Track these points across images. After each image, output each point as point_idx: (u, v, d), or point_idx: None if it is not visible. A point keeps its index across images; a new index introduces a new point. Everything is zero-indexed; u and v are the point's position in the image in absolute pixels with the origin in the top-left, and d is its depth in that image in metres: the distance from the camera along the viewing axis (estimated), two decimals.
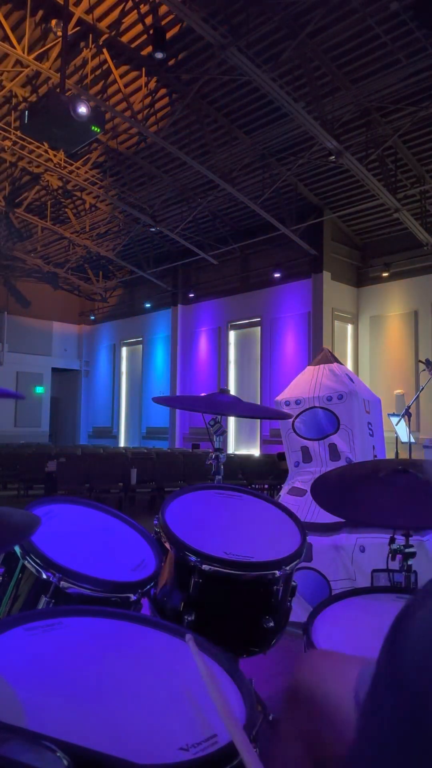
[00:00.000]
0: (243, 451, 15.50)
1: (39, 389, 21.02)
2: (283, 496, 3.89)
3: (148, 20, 9.37)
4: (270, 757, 0.91)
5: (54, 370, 21.71)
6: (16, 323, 20.40)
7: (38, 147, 12.65)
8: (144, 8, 9.21)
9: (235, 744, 0.84)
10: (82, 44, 9.82)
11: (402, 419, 8.02)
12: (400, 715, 0.33)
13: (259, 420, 14.85)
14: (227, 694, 1.00)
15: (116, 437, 20.61)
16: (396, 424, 8.23)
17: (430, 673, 0.33)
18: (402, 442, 8.22)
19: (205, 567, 1.55)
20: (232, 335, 16.89)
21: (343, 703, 0.56)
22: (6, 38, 9.28)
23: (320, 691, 0.60)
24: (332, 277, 14.42)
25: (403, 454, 8.33)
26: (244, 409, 2.70)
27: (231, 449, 15.99)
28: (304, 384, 4.07)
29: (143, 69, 10.25)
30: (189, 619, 1.54)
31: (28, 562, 1.46)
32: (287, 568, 1.61)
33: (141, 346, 20.07)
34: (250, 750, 0.82)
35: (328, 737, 0.57)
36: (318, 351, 4.91)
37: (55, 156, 13.01)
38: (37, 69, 9.76)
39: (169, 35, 9.26)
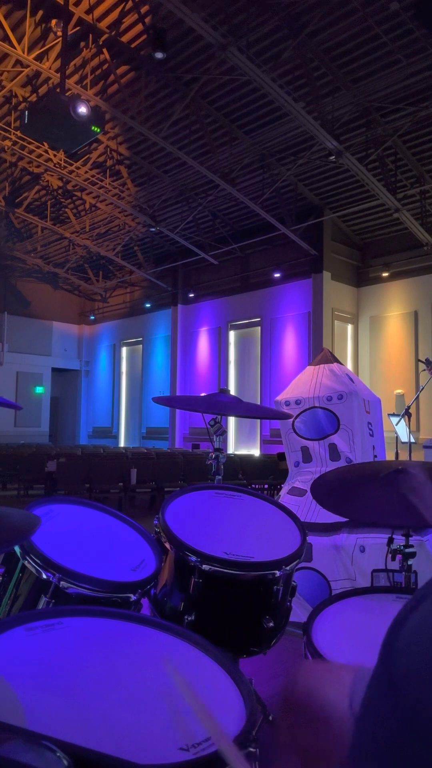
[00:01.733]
0: (243, 451, 15.49)
1: (39, 389, 21.02)
2: (283, 496, 3.89)
3: (148, 20, 9.37)
4: (268, 763, 0.91)
5: (54, 370, 21.71)
6: (16, 323, 20.40)
7: (38, 147, 12.65)
8: (144, 8, 9.21)
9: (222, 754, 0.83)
10: (82, 44, 9.82)
11: (402, 419, 8.02)
12: (391, 721, 0.33)
13: (259, 420, 14.85)
14: (214, 706, 0.99)
15: (116, 437, 20.61)
16: (396, 424, 8.23)
17: (421, 678, 0.33)
18: (402, 442, 8.22)
19: (205, 567, 1.55)
20: (232, 335, 16.88)
21: (337, 711, 0.56)
22: (6, 38, 9.28)
23: (313, 699, 0.60)
24: (332, 277, 14.41)
25: (403, 454, 8.32)
26: (244, 409, 2.70)
27: (231, 449, 15.99)
28: (304, 384, 4.07)
29: (143, 69, 10.26)
30: (189, 619, 1.54)
31: (28, 562, 1.46)
32: (287, 568, 1.61)
33: (141, 346, 20.07)
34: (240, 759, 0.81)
35: (322, 746, 0.57)
36: (318, 351, 4.91)
37: (55, 156, 13.00)
38: (37, 69, 9.76)
39: (169, 35, 9.27)
